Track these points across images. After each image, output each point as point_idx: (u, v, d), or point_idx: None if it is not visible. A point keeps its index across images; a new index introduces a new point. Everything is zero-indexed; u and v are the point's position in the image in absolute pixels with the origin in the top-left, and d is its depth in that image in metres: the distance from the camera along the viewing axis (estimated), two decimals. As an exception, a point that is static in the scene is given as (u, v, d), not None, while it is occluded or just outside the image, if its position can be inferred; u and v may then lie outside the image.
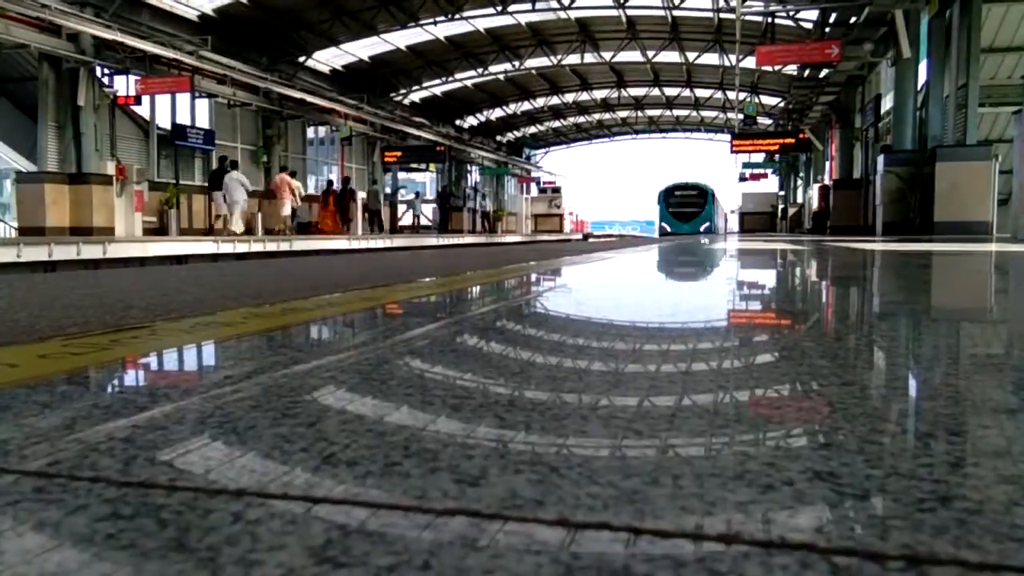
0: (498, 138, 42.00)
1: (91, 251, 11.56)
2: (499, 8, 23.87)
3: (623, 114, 42.57)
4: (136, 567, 0.50)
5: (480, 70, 30.06)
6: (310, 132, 26.00)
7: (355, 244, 18.24)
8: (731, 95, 30.91)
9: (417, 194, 31.67)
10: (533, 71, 31.65)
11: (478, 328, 1.88)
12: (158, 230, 16.86)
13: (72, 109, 15.34)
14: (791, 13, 19.60)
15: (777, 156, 32.14)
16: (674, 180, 38.23)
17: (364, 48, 25.90)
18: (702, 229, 35.58)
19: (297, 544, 0.53)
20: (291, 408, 0.94)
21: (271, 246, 15.25)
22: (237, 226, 16.68)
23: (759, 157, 32.92)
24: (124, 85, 16.58)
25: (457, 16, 23.85)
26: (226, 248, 14.53)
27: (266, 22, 21.01)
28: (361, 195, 23.32)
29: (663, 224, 36.70)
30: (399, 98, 30.26)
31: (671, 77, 33.27)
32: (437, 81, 30.69)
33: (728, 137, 27.51)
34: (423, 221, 29.76)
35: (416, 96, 31.67)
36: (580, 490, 0.63)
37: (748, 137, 24.82)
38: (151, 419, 0.90)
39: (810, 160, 30.16)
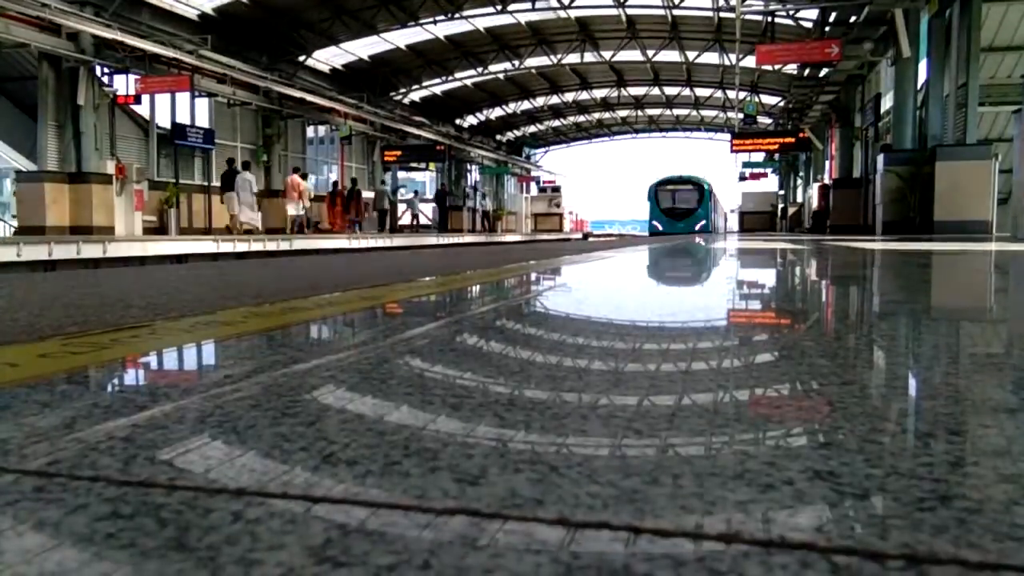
0: (498, 137, 42.00)
1: (91, 250, 11.56)
2: (499, 7, 23.87)
3: (623, 113, 42.57)
4: (136, 566, 0.50)
5: (480, 69, 30.05)
6: (310, 131, 26.01)
7: (355, 244, 18.24)
8: (731, 94, 30.92)
9: (416, 193, 31.66)
10: (533, 70, 31.65)
11: (478, 327, 1.88)
12: (158, 229, 16.87)
13: (72, 108, 15.34)
14: (791, 12, 19.60)
15: (777, 155, 32.18)
16: (667, 174, 34.36)
17: (364, 47, 25.90)
18: (697, 228, 32.09)
19: (297, 543, 0.53)
20: (291, 407, 0.94)
21: (271, 245, 15.25)
22: (247, 224, 16.97)
23: (759, 156, 32.96)
24: (124, 84, 16.60)
25: (457, 15, 23.85)
26: (226, 247, 14.53)
27: (266, 21, 21.01)
28: (368, 195, 23.49)
29: (654, 223, 33.07)
30: (399, 97, 30.26)
31: (671, 76, 33.27)
32: (437, 80, 30.69)
33: (728, 136, 27.49)
34: (422, 220, 29.78)
35: (416, 95, 31.68)
36: (580, 489, 0.63)
37: (748, 136, 24.82)
38: (151, 418, 0.90)
39: (810, 159, 30.16)
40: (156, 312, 2.07)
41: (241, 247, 14.79)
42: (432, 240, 22.12)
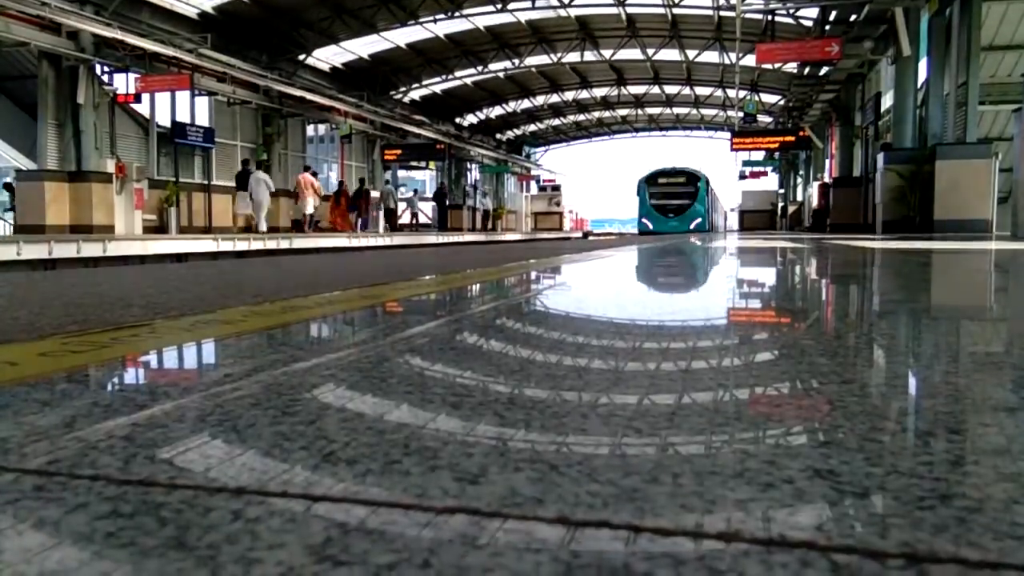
0: (498, 136, 41.98)
1: (91, 249, 11.57)
2: (499, 6, 23.86)
3: (623, 112, 42.55)
4: (136, 565, 0.50)
5: (480, 68, 30.03)
6: (310, 130, 25.99)
7: (355, 242, 18.25)
8: (731, 93, 30.87)
9: (416, 191, 31.67)
10: (533, 69, 31.63)
11: (478, 326, 1.88)
12: (158, 228, 16.86)
13: (72, 107, 15.33)
14: (791, 11, 19.58)
15: (777, 154, 32.15)
16: (659, 166, 30.89)
17: (364, 46, 25.88)
18: (693, 226, 28.65)
19: (297, 542, 0.53)
20: (291, 406, 0.94)
21: (271, 244, 15.25)
22: (262, 224, 17.18)
23: (759, 155, 32.94)
24: (124, 83, 16.59)
25: (457, 14, 23.84)
26: (226, 246, 14.53)
27: (266, 20, 21.00)
28: (374, 194, 23.69)
29: (644, 220, 29.48)
30: (399, 96, 30.25)
31: (671, 75, 33.24)
32: (437, 79, 30.68)
33: (728, 135, 27.45)
34: (422, 219, 29.79)
35: (416, 94, 31.66)
36: (580, 488, 0.63)
37: (748, 135, 24.81)
38: (151, 417, 0.90)
39: (810, 158, 30.13)
40: (156, 311, 2.07)
41: (241, 246, 14.79)
42: (432, 239, 22.13)
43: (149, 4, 17.97)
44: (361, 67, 27.04)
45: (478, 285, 3.18)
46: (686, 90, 35.58)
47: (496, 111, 38.04)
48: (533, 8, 24.69)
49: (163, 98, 18.13)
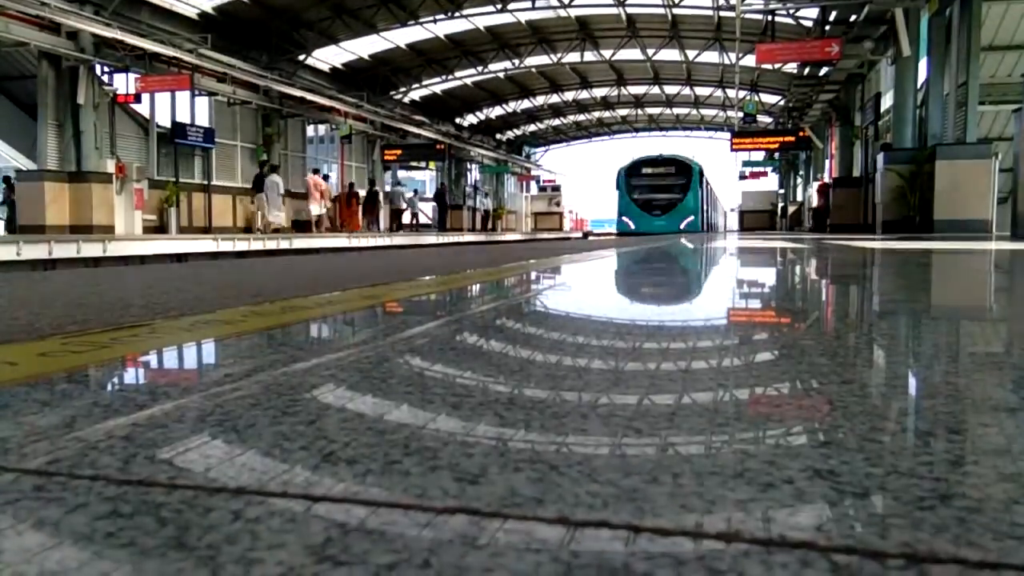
0: (498, 136, 41.98)
1: (91, 249, 11.57)
2: (499, 6, 23.85)
3: (623, 112, 42.54)
4: (136, 565, 0.50)
5: (480, 68, 30.03)
6: (310, 130, 25.99)
7: (355, 242, 18.26)
8: (731, 93, 30.87)
9: (415, 192, 31.69)
10: (533, 69, 31.63)
11: (478, 326, 1.88)
12: (158, 228, 16.87)
13: (72, 107, 15.33)
14: (791, 11, 19.58)
15: (777, 154, 32.14)
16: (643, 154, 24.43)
17: (364, 46, 25.89)
18: (683, 225, 23.50)
19: (297, 542, 0.53)
20: (291, 406, 0.94)
21: (271, 244, 15.25)
22: (282, 221, 18.06)
23: (759, 155, 32.94)
24: (124, 83, 16.59)
25: (457, 14, 23.83)
26: (226, 246, 14.53)
27: (266, 20, 21.00)
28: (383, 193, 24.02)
29: (624, 218, 23.98)
30: (399, 96, 30.24)
31: (671, 75, 33.24)
32: (437, 79, 30.67)
33: (728, 135, 27.45)
34: (422, 219, 29.80)
35: (416, 94, 31.66)
36: (580, 488, 0.63)
37: (748, 135, 24.80)
38: (151, 417, 0.90)
39: (810, 158, 30.15)
40: (156, 311, 2.07)
41: (241, 246, 14.79)
42: (432, 239, 22.13)
43: (149, 4, 17.97)
44: (361, 67, 27.05)
45: (478, 285, 3.18)
46: (686, 90, 35.58)
47: (496, 111, 38.04)
48: (533, 8, 24.69)
49: (163, 98, 18.14)
